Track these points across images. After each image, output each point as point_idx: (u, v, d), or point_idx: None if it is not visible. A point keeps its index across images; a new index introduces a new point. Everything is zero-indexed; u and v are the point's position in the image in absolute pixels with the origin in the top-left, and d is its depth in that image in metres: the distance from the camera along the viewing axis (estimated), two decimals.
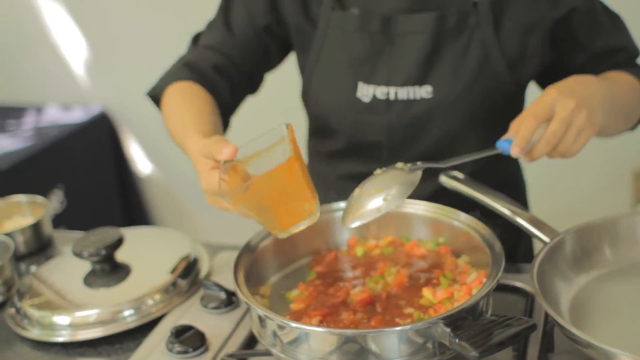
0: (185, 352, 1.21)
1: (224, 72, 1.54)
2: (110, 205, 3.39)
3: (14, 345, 1.36)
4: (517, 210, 1.28)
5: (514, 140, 1.19)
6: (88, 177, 3.28)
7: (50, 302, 1.40)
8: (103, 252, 1.40)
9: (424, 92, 1.44)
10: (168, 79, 1.54)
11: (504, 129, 1.49)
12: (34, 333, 1.35)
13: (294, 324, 1.08)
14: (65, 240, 1.71)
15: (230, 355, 1.19)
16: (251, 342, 1.24)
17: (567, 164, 2.81)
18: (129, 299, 1.35)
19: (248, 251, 1.25)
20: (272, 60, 1.61)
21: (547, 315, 1.20)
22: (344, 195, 1.30)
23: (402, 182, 1.22)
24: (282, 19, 1.53)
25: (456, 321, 1.02)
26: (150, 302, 1.35)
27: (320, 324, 1.14)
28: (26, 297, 1.41)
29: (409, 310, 1.16)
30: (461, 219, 1.28)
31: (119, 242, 1.42)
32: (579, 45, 1.49)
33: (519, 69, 1.47)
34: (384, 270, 1.26)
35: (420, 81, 1.44)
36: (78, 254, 1.40)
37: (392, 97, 1.45)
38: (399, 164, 1.25)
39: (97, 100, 3.41)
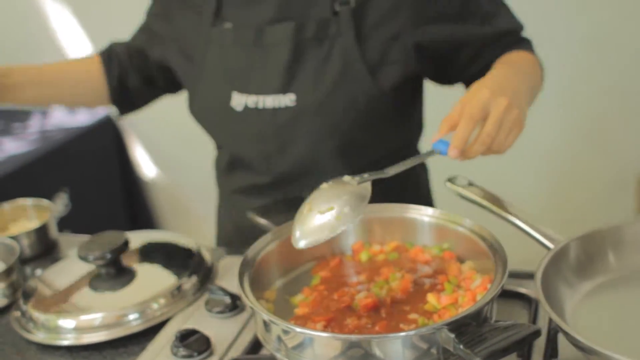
0: (190, 356, 1.22)
1: (122, 64, 1.76)
2: (115, 209, 3.40)
3: (19, 348, 1.36)
4: (521, 216, 1.28)
5: (452, 142, 1.18)
6: (93, 180, 3.28)
7: (55, 305, 1.40)
8: (108, 255, 1.40)
9: (288, 100, 1.51)
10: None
11: (372, 136, 1.57)
12: (39, 336, 1.35)
13: (298, 329, 1.08)
14: (71, 243, 1.72)
15: None
16: (256, 346, 1.25)
17: (572, 171, 2.83)
18: (134, 302, 1.35)
19: (253, 256, 1.26)
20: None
21: (551, 321, 1.20)
22: (241, 209, 1.45)
23: (354, 197, 1.17)
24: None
25: (460, 327, 1.02)
26: (155, 306, 1.36)
27: (325, 329, 1.14)
28: (31, 299, 1.42)
29: (413, 315, 1.16)
30: (466, 225, 1.28)
31: (124, 246, 1.42)
32: (458, 43, 1.53)
33: (380, 75, 1.50)
34: (389, 275, 1.26)
35: (284, 89, 1.50)
36: (83, 258, 1.40)
37: (260, 105, 1.52)
38: (346, 177, 1.21)
39: None
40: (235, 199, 1.73)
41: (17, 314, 1.42)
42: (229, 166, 1.69)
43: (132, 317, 1.34)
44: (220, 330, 1.29)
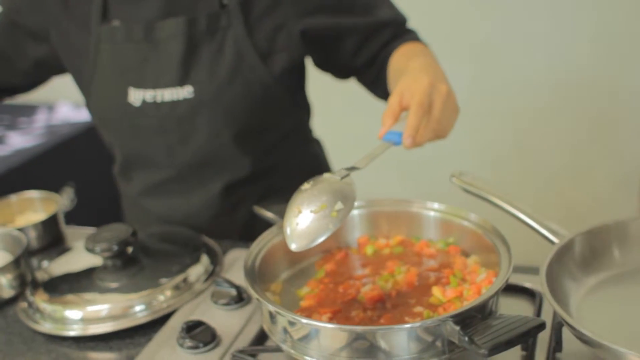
0: (196, 347, 1.22)
1: None
2: (120, 204, 3.40)
3: (26, 339, 1.37)
4: (527, 211, 1.28)
5: (405, 132, 1.18)
6: (98, 175, 3.27)
7: (62, 297, 1.41)
8: (115, 247, 1.40)
9: (186, 92, 1.55)
10: None
11: (267, 121, 1.64)
12: (46, 327, 1.36)
13: (304, 320, 1.08)
14: (77, 235, 1.72)
15: (241, 351, 1.20)
16: (261, 338, 1.25)
17: (576, 169, 2.83)
18: (140, 294, 1.36)
19: (259, 248, 1.26)
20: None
21: (555, 315, 1.21)
22: (147, 213, 1.61)
23: (341, 192, 1.13)
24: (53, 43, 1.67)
25: (466, 319, 1.03)
26: (161, 297, 1.36)
27: (331, 321, 1.15)
28: (38, 291, 1.43)
29: (418, 308, 1.16)
30: (471, 219, 1.29)
31: (131, 238, 1.43)
32: (341, 32, 1.59)
33: (271, 62, 1.57)
34: (394, 269, 1.26)
35: (181, 82, 1.54)
36: (90, 250, 1.41)
37: (159, 99, 1.56)
38: (326, 175, 1.17)
39: None
40: (140, 204, 1.79)
41: (24, 304, 1.43)
42: (126, 169, 1.75)
43: (138, 308, 1.35)
44: (226, 321, 1.29)
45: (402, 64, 1.47)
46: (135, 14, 1.55)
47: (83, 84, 1.66)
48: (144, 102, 1.57)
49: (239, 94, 1.56)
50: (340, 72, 1.69)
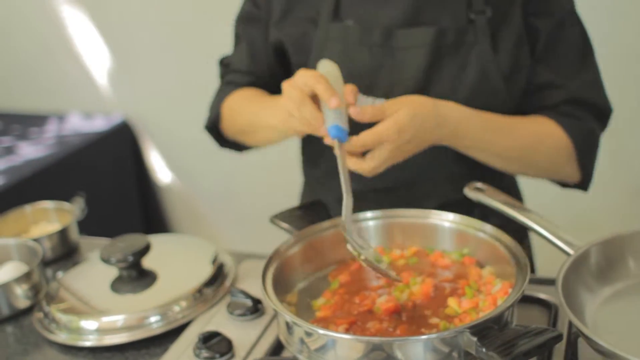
0: (213, 358, 1.23)
1: (259, 86, 1.63)
2: (131, 214, 3.41)
3: (42, 349, 1.38)
4: (541, 222, 1.29)
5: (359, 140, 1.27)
6: (109, 185, 3.30)
7: (78, 307, 1.42)
8: (130, 258, 1.41)
9: None
10: (218, 101, 1.65)
11: None
12: (62, 337, 1.37)
13: (321, 331, 1.09)
14: (91, 246, 1.73)
15: None
16: (277, 348, 1.25)
17: None
18: (156, 305, 1.37)
19: (275, 259, 1.27)
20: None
21: (571, 326, 1.21)
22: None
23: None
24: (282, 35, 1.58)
25: (482, 330, 1.03)
26: (176, 308, 1.37)
27: (347, 332, 1.15)
28: (54, 301, 1.43)
29: (434, 320, 1.16)
30: (486, 230, 1.29)
31: (146, 249, 1.43)
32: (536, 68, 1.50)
33: (513, 83, 1.49)
34: (409, 280, 1.27)
35: (418, 94, 1.43)
36: (106, 260, 1.42)
37: None
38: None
39: (118, 109, 3.44)
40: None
41: (40, 315, 1.44)
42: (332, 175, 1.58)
43: (153, 319, 1.35)
44: (241, 332, 1.30)
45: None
46: (374, 17, 1.47)
47: None
48: None
49: None
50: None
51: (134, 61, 3.36)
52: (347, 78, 1.45)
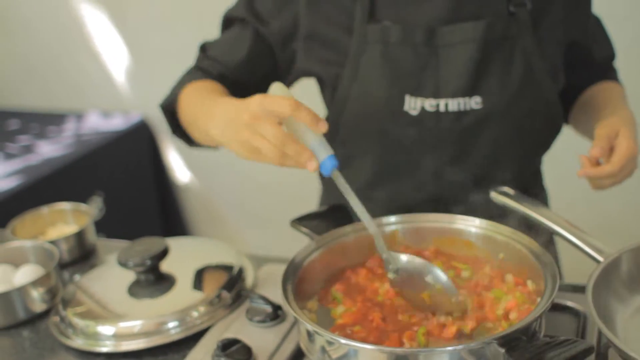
0: None
1: (227, 81, 1.53)
2: (149, 213, 3.40)
3: (58, 354, 1.35)
4: (570, 228, 1.25)
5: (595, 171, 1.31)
6: (127, 184, 3.29)
7: (94, 312, 1.39)
8: (148, 262, 1.39)
9: (474, 102, 1.42)
10: (181, 84, 1.55)
11: (544, 142, 1.53)
12: (78, 342, 1.34)
13: (343, 340, 1.06)
14: (109, 248, 1.71)
15: None
16: (298, 356, 1.23)
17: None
18: (174, 310, 1.34)
19: (296, 265, 1.24)
20: (281, 76, 1.57)
21: (601, 335, 1.17)
22: None
23: None
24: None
25: (511, 342, 1.00)
26: (195, 314, 1.34)
27: (367, 340, 1.12)
28: (70, 305, 1.41)
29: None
30: (514, 237, 1.25)
31: (164, 253, 1.41)
32: (589, 60, 1.60)
33: (557, 78, 1.49)
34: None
35: (470, 92, 1.42)
36: (123, 264, 1.39)
37: (442, 108, 1.42)
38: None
39: (137, 108, 3.43)
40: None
41: (56, 319, 1.42)
42: (368, 183, 1.54)
43: (171, 325, 1.33)
44: (261, 339, 1.27)
45: (605, 99, 1.55)
46: (413, 16, 1.43)
47: (338, 88, 1.48)
48: (422, 111, 1.43)
49: (524, 110, 1.45)
50: None
51: (152, 60, 3.35)
52: (392, 80, 1.43)
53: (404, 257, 1.24)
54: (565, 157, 2.67)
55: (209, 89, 1.47)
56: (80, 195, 2.10)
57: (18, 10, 3.52)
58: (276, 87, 1.23)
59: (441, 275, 1.20)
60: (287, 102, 1.13)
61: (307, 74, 1.55)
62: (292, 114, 1.13)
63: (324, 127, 1.14)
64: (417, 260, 1.23)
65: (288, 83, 1.57)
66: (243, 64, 1.54)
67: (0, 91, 3.76)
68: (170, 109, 1.56)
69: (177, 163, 3.48)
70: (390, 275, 1.25)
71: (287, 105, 1.13)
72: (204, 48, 1.63)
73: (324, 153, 1.15)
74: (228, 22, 1.61)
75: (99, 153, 3.16)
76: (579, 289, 1.31)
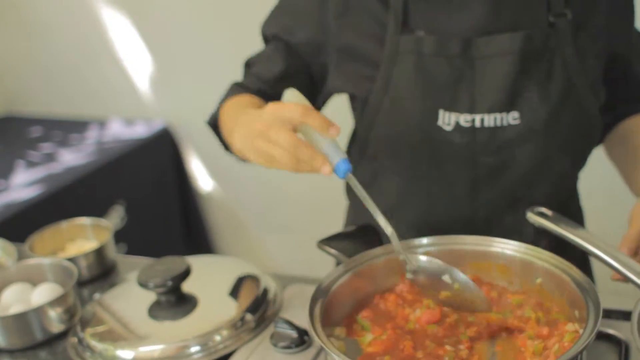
0: None
1: (266, 96, 1.51)
2: (171, 222, 3.37)
3: None
4: (612, 252, 1.19)
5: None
6: (149, 193, 3.26)
7: (113, 334, 1.35)
8: (169, 283, 1.34)
9: (511, 118, 1.36)
10: (223, 100, 1.54)
11: (582, 158, 1.46)
12: None
13: None
14: (129, 265, 1.67)
15: None
16: None
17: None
18: (196, 334, 1.29)
19: (324, 290, 1.18)
20: (317, 91, 1.54)
21: None
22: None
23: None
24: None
25: None
26: (217, 338, 1.29)
27: None
28: (89, 326, 1.37)
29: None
30: (552, 262, 1.19)
31: (186, 273, 1.36)
32: (628, 75, 1.51)
33: (598, 93, 1.41)
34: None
35: (507, 107, 1.35)
36: (144, 285, 1.34)
37: (477, 124, 1.36)
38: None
39: (160, 115, 3.40)
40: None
41: (74, 340, 1.37)
42: (404, 196, 1.49)
43: (193, 349, 1.28)
44: None
45: None
46: (448, 26, 1.36)
47: (368, 101, 1.43)
48: (457, 126, 1.37)
49: (565, 127, 1.38)
50: None
51: (175, 67, 3.32)
52: (426, 92, 1.37)
53: (422, 258, 1.22)
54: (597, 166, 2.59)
55: (244, 103, 1.46)
56: (102, 204, 2.06)
57: (40, 16, 3.50)
58: (291, 94, 1.24)
59: (459, 274, 1.19)
60: (297, 108, 1.13)
61: (339, 90, 1.50)
62: (302, 119, 1.13)
63: (335, 131, 1.13)
64: (435, 261, 1.21)
65: (321, 101, 1.54)
66: (279, 80, 1.51)
67: (23, 98, 3.75)
68: (214, 126, 1.56)
69: (200, 171, 3.45)
70: (409, 276, 1.22)
71: (297, 111, 1.13)
72: (248, 64, 1.59)
73: (337, 157, 1.14)
74: (265, 37, 1.57)
75: (121, 161, 3.13)
76: (618, 315, 1.26)
